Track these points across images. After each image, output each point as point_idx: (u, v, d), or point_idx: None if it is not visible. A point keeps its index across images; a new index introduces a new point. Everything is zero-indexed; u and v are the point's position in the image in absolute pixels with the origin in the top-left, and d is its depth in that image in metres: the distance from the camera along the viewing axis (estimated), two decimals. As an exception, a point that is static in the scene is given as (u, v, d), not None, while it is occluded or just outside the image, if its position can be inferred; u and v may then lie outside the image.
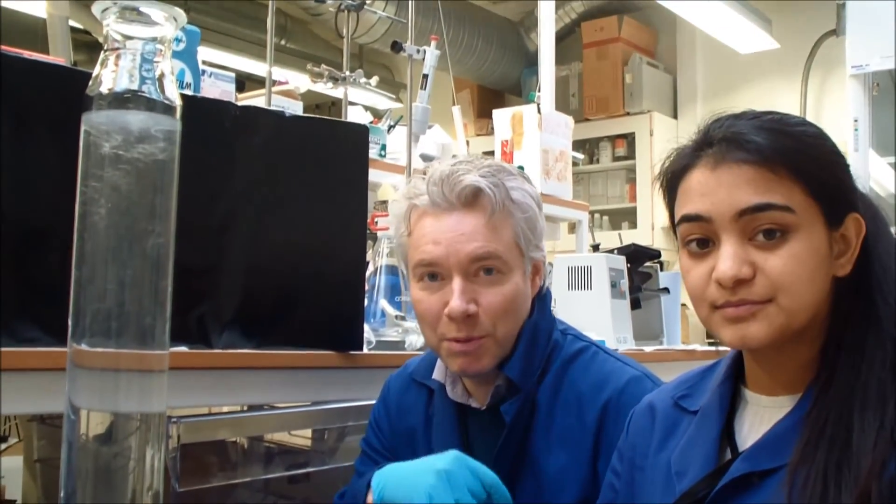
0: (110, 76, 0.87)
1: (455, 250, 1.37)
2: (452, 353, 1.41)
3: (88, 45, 5.27)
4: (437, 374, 1.52)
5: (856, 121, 4.65)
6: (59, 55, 2.83)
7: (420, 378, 1.56)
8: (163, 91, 0.88)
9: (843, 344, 1.03)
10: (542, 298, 1.49)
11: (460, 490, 1.19)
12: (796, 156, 1.03)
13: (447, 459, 1.23)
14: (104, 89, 0.86)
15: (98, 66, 0.88)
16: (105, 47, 0.89)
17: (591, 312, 2.72)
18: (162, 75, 0.89)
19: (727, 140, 1.05)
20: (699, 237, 1.06)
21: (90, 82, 0.88)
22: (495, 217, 1.38)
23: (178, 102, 0.90)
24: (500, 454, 1.41)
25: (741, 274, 1.01)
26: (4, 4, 4.40)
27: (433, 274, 1.41)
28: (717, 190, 1.04)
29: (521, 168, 1.59)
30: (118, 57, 0.88)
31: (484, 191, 1.37)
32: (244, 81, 5.76)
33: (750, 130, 1.04)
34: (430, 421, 1.53)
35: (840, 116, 4.86)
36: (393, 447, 1.60)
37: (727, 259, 1.02)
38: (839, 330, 1.05)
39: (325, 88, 3.02)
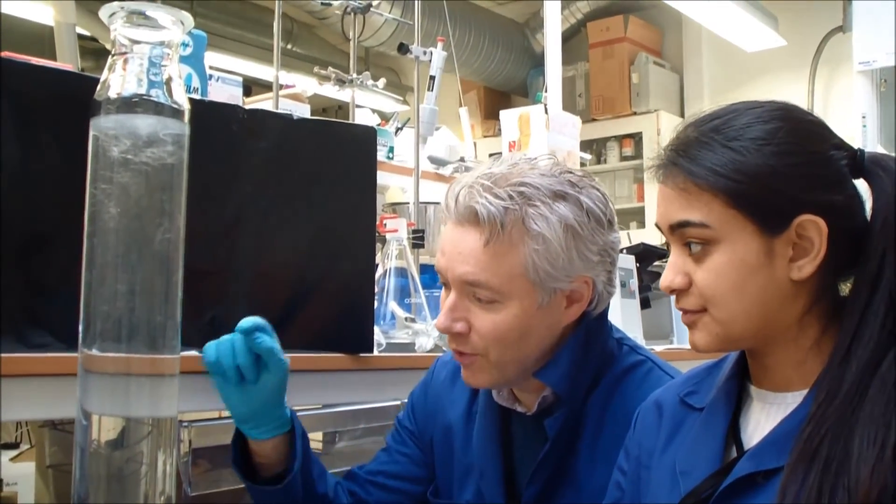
0: (118, 80, 0.87)
1: (451, 266, 1.34)
2: (458, 362, 1.41)
3: (96, 52, 5.28)
4: None
5: (864, 117, 4.65)
6: (66, 62, 2.83)
7: None
8: (171, 95, 0.88)
9: (852, 350, 1.02)
10: (601, 312, 1.43)
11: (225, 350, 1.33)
12: (715, 171, 1.04)
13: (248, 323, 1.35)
14: (112, 94, 0.87)
15: (106, 71, 0.88)
16: (112, 52, 0.89)
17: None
18: (170, 79, 0.89)
19: (667, 156, 1.10)
20: (665, 242, 1.13)
21: (98, 87, 0.88)
22: (494, 245, 1.30)
23: (186, 106, 0.90)
24: (540, 466, 1.37)
25: (674, 285, 1.09)
26: (12, 12, 4.41)
27: (445, 283, 1.38)
28: (661, 203, 1.11)
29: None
30: (126, 61, 0.88)
31: (480, 214, 1.30)
32: (250, 86, 5.76)
33: (685, 146, 1.09)
34: (471, 418, 1.50)
35: (848, 113, 4.84)
36: (426, 435, 1.58)
37: (666, 269, 1.11)
38: (847, 330, 1.03)
39: (332, 91, 3.02)
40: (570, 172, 1.39)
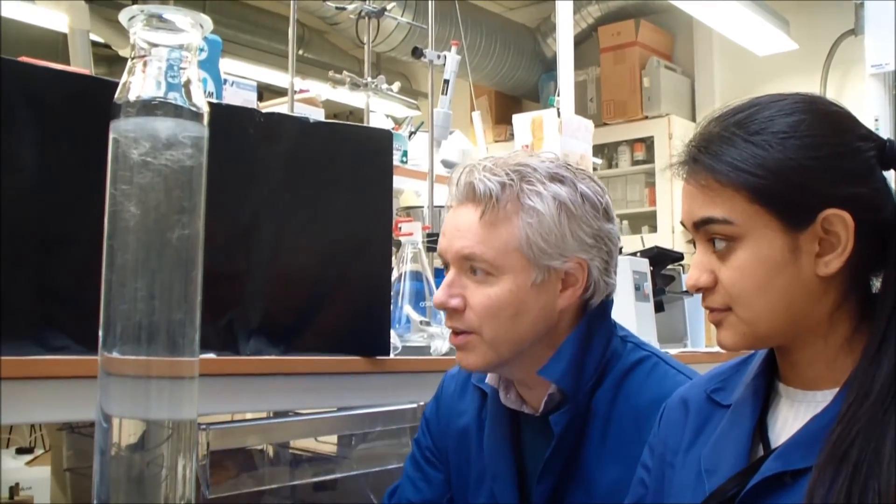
0: (138, 83, 0.87)
1: (450, 244, 1.39)
2: (453, 345, 1.43)
3: (108, 58, 5.31)
4: (491, 379, 1.49)
5: (876, 120, 4.62)
6: (80, 68, 2.84)
7: (475, 381, 1.54)
8: (189, 98, 0.89)
9: (883, 348, 0.99)
10: (602, 306, 1.44)
11: None
12: (737, 167, 1.03)
13: None
14: (132, 97, 0.87)
15: (126, 74, 0.89)
16: (132, 55, 0.89)
17: (615, 315, 2.70)
18: (188, 82, 0.89)
19: (689, 153, 1.09)
20: (690, 239, 1.12)
21: (118, 90, 0.88)
22: (489, 217, 1.35)
23: (205, 109, 0.90)
24: (548, 464, 1.38)
25: (700, 283, 1.07)
26: (25, 19, 4.43)
27: (445, 264, 1.42)
28: (685, 201, 1.10)
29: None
30: (145, 64, 0.88)
31: (477, 189, 1.36)
32: (262, 93, 5.78)
33: (707, 142, 1.07)
34: (483, 424, 1.51)
35: (860, 116, 4.81)
36: (442, 448, 1.59)
37: (691, 268, 1.09)
38: (877, 327, 1.01)
39: (344, 96, 3.02)
40: (570, 165, 1.43)
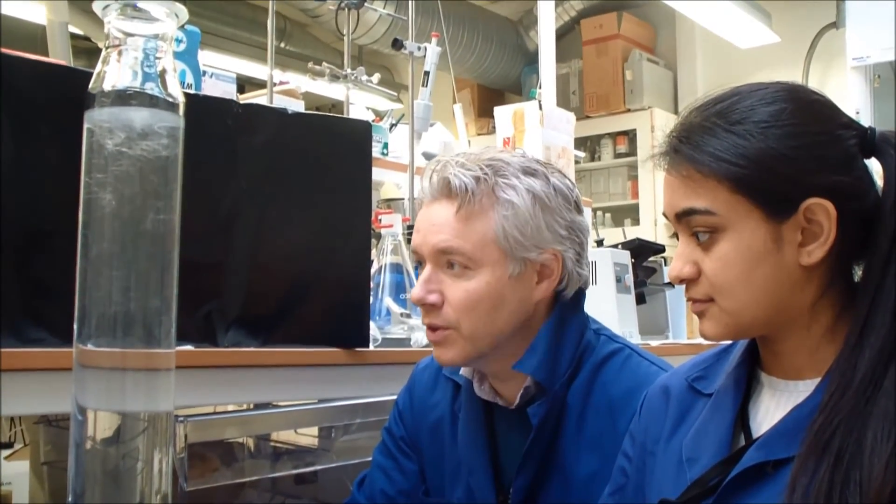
0: (113, 73, 0.87)
1: (425, 240, 1.39)
2: (430, 341, 1.43)
3: (88, 50, 5.27)
4: (465, 371, 1.49)
5: (857, 113, 4.65)
6: (59, 60, 2.82)
7: (448, 373, 1.54)
8: (165, 88, 0.88)
9: (865, 337, 0.99)
10: (576, 297, 1.45)
11: None
12: (718, 157, 1.02)
13: None
14: (107, 86, 0.86)
15: (100, 64, 0.88)
16: (106, 44, 0.88)
17: (597, 307, 2.69)
18: (164, 72, 0.88)
19: (670, 143, 1.08)
20: (674, 232, 1.11)
21: (92, 79, 0.87)
22: (465, 211, 1.36)
23: (181, 99, 0.89)
24: (526, 456, 1.38)
25: (683, 274, 1.07)
26: (3, 10, 4.40)
27: (420, 261, 1.43)
28: (666, 192, 1.09)
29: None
30: (120, 54, 0.88)
31: (452, 184, 1.36)
32: (243, 85, 5.75)
33: (688, 132, 1.06)
34: (456, 417, 1.51)
35: (842, 109, 4.84)
36: (414, 439, 1.59)
37: (674, 259, 1.08)
38: (859, 316, 1.01)
39: (326, 88, 3.01)
40: (541, 161, 1.45)
